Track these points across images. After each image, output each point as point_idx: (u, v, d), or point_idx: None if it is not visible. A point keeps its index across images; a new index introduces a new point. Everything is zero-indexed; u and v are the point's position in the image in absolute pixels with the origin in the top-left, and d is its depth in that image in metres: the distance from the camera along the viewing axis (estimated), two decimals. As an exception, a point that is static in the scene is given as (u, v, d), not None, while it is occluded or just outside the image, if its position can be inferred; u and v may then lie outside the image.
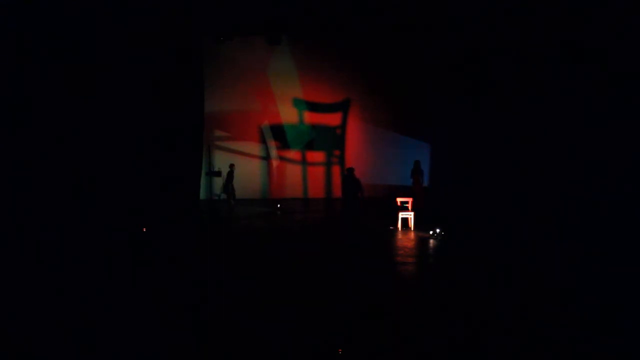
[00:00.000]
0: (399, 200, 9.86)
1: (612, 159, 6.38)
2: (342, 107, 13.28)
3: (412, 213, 9.41)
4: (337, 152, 13.43)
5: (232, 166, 11.59)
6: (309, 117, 13.30)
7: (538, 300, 5.21)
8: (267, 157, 13.46)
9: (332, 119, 13.33)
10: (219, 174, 11.88)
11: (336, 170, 13.42)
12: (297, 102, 13.24)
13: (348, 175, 8.93)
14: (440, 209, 10.36)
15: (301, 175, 13.47)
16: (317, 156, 13.45)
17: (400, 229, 9.27)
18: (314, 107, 13.26)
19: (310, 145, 13.35)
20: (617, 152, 6.27)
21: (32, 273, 5.92)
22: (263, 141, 13.39)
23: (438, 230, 8.57)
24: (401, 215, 9.41)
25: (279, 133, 13.33)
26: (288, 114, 13.30)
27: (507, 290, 5.54)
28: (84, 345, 4.11)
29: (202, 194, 12.06)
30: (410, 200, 9.74)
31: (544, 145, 7.72)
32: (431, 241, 8.27)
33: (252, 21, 10.27)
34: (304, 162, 13.46)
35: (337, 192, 13.34)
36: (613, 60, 6.26)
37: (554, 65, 7.42)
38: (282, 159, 13.46)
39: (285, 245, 7.94)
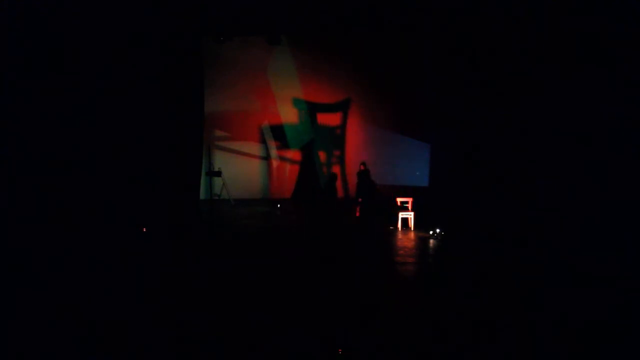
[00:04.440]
0: (399, 200, 9.87)
1: (615, 159, 6.37)
2: (342, 107, 13.28)
3: (412, 213, 9.41)
4: (337, 152, 13.43)
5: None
6: (316, 118, 13.30)
7: (538, 301, 5.21)
8: (267, 157, 13.47)
9: (332, 119, 13.33)
10: (219, 174, 11.87)
11: (336, 170, 13.41)
12: (297, 102, 13.24)
13: (364, 175, 9.09)
14: (440, 209, 10.35)
15: (301, 175, 13.48)
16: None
17: (400, 229, 9.28)
18: (314, 107, 13.26)
19: (310, 146, 13.36)
20: (621, 154, 6.27)
21: (30, 273, 5.92)
22: (263, 141, 13.39)
23: (438, 230, 8.57)
24: (401, 215, 9.41)
25: (279, 133, 13.33)
26: (288, 114, 13.30)
27: (507, 291, 5.54)
28: (85, 345, 4.11)
29: (202, 194, 12.05)
30: (410, 200, 9.75)
31: (545, 145, 7.72)
32: (431, 241, 8.28)
33: (252, 21, 10.27)
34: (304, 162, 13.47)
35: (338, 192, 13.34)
36: (620, 62, 6.26)
37: (556, 65, 7.42)
38: (282, 159, 13.46)
39: (284, 245, 7.94)
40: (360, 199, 10.25)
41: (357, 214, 10.26)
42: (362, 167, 10.47)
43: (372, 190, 10.00)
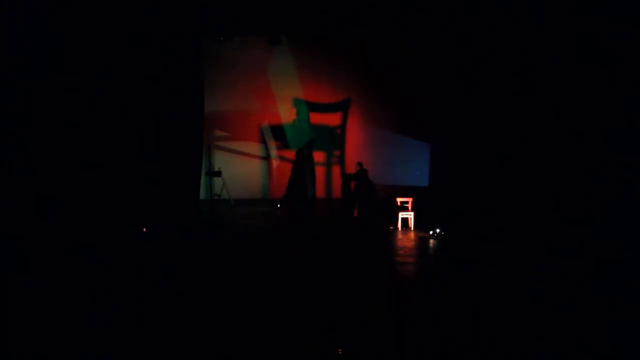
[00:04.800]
0: (399, 200, 9.87)
1: (615, 159, 6.37)
2: (342, 107, 13.28)
3: (412, 213, 9.41)
4: (337, 152, 13.43)
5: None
6: (309, 117, 13.30)
7: (538, 301, 5.21)
8: (267, 157, 13.46)
9: (332, 119, 13.33)
10: (219, 174, 11.87)
11: (336, 170, 13.42)
12: (297, 102, 13.24)
13: (362, 175, 9.07)
14: (440, 209, 10.36)
15: (301, 175, 13.46)
16: (317, 156, 13.45)
17: (400, 229, 9.27)
18: (314, 107, 13.26)
19: (310, 145, 13.36)
20: (620, 154, 6.26)
21: (29, 273, 5.92)
22: (263, 141, 13.39)
23: (438, 230, 8.57)
24: (401, 215, 9.41)
25: (279, 133, 13.33)
26: (288, 114, 13.30)
27: (507, 291, 5.54)
28: (81, 345, 4.11)
29: (202, 194, 12.06)
30: (410, 200, 9.75)
31: (544, 145, 7.72)
32: (431, 241, 8.28)
33: (252, 21, 10.27)
34: (304, 162, 13.45)
35: (337, 192, 13.34)
36: (620, 62, 6.26)
37: (556, 65, 7.42)
38: (282, 159, 13.46)
39: (284, 245, 7.94)
40: (357, 200, 10.25)
41: (355, 214, 10.26)
42: (358, 168, 10.44)
43: (371, 190, 10.00)
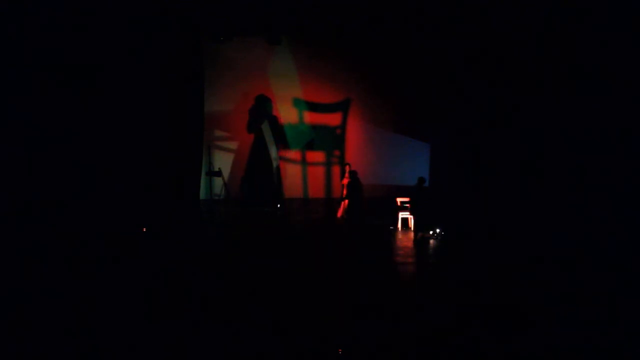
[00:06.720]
0: (399, 200, 9.86)
1: (613, 160, 6.37)
2: (342, 107, 13.28)
3: (412, 213, 9.41)
4: (337, 152, 13.43)
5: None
6: (309, 117, 13.29)
7: (538, 301, 5.22)
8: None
9: (332, 119, 13.32)
10: (219, 174, 11.85)
11: (336, 170, 13.41)
12: (297, 102, 13.23)
13: (353, 179, 9.04)
14: (440, 209, 10.36)
15: (301, 175, 13.47)
16: (317, 156, 13.44)
17: (400, 229, 9.27)
18: (314, 107, 13.25)
19: (310, 145, 13.35)
20: (618, 155, 6.27)
21: (29, 273, 5.92)
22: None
23: (438, 230, 8.57)
24: (401, 215, 9.41)
25: (279, 133, 13.31)
26: (288, 114, 13.29)
27: (507, 291, 5.54)
28: (80, 347, 4.11)
29: (202, 194, 12.05)
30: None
31: (544, 146, 7.72)
32: (431, 241, 8.28)
33: (252, 21, 10.27)
34: (304, 162, 13.45)
35: (337, 192, 13.34)
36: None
37: (556, 66, 7.42)
38: (282, 159, 13.45)
39: (285, 245, 7.94)
40: (347, 200, 10.17)
41: (338, 215, 10.25)
42: (349, 169, 10.45)
43: (360, 191, 9.89)
